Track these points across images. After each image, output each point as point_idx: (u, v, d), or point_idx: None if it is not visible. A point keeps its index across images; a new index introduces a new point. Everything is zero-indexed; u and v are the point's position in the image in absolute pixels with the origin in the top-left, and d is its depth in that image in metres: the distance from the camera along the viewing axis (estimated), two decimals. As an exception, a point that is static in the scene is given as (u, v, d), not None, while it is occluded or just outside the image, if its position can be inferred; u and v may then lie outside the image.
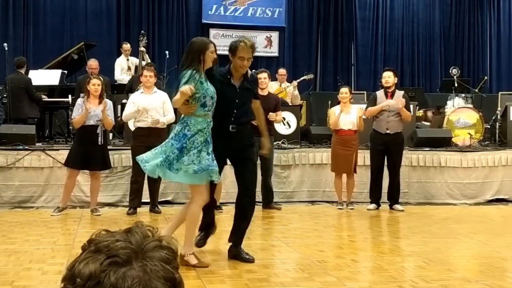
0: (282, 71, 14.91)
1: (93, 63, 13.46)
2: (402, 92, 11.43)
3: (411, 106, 13.22)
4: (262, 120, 7.52)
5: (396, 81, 11.20)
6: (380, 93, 11.26)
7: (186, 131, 6.64)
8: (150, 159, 6.77)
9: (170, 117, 10.31)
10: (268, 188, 11.01)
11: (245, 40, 6.95)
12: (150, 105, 10.08)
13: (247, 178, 7.10)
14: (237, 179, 7.22)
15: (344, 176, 11.25)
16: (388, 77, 11.09)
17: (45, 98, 13.25)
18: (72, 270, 1.41)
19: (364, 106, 11.80)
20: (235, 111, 6.99)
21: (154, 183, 10.46)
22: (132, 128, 10.81)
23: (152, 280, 1.39)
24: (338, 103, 11.41)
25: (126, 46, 15.25)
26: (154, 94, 10.28)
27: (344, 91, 11.25)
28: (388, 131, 11.02)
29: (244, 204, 7.11)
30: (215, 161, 6.63)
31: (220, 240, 7.82)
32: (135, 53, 15.12)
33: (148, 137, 10.07)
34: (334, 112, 11.22)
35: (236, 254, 7.07)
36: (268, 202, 11.03)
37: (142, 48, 14.34)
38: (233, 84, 7.02)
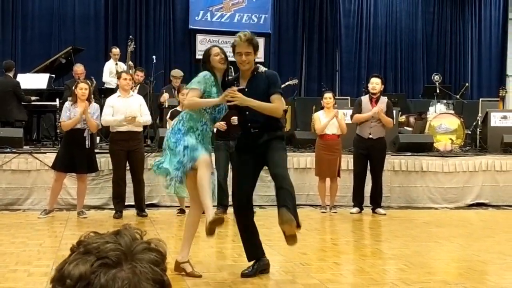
0: None
1: (78, 68, 13.47)
2: (386, 98, 11.49)
3: (394, 112, 13.29)
4: (264, 104, 6.47)
5: (382, 89, 11.26)
6: (365, 99, 11.31)
7: (180, 126, 6.48)
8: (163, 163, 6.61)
9: (146, 118, 10.42)
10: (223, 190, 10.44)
11: (240, 35, 6.50)
12: (128, 108, 10.12)
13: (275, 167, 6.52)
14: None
15: (328, 180, 11.30)
16: (376, 84, 11.13)
17: (36, 99, 13.22)
18: (62, 271, 1.41)
19: (347, 111, 11.85)
20: (247, 112, 6.54)
21: (139, 187, 10.46)
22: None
23: (141, 282, 1.40)
24: (322, 108, 11.46)
25: (116, 50, 15.23)
26: (131, 98, 10.37)
27: (328, 96, 11.32)
28: (371, 136, 11.07)
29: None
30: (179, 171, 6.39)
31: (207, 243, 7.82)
32: (123, 58, 15.09)
33: (127, 141, 10.15)
34: (318, 117, 11.26)
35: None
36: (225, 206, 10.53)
37: (130, 63, 14.32)
38: (239, 88, 6.50)
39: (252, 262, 6.67)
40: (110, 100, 10.39)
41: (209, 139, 6.65)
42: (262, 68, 6.76)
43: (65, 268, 1.40)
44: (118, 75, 11.19)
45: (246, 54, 6.45)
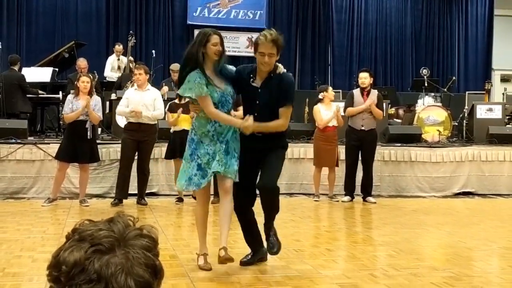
0: None
1: (81, 63, 13.44)
2: (376, 91, 11.48)
3: (384, 104, 13.34)
4: (269, 126, 6.06)
5: (371, 81, 11.23)
6: (356, 92, 11.29)
7: (193, 135, 6.08)
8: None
9: (158, 113, 10.30)
10: None
11: (266, 33, 5.88)
12: (141, 101, 10.09)
13: (263, 175, 6.16)
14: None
15: (324, 169, 11.32)
16: (365, 78, 11.10)
17: (42, 94, 13.23)
18: (57, 258, 1.40)
19: (340, 104, 11.81)
20: (255, 114, 5.95)
21: (143, 177, 10.43)
22: (121, 124, 10.81)
23: (134, 267, 1.39)
24: (318, 101, 11.44)
25: (119, 47, 15.22)
26: (146, 91, 10.30)
27: (331, 88, 11.49)
28: (363, 128, 11.06)
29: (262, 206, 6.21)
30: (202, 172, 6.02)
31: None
32: (124, 53, 15.06)
33: (138, 132, 10.12)
34: (319, 110, 11.20)
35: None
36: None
37: (130, 58, 14.31)
38: (253, 85, 6.06)
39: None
40: (127, 92, 10.47)
41: (224, 130, 6.02)
42: (281, 69, 6.14)
43: (60, 255, 1.40)
44: (129, 69, 11.15)
45: (270, 56, 5.86)
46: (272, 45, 5.82)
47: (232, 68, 6.25)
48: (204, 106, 5.94)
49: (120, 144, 10.56)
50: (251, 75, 6.08)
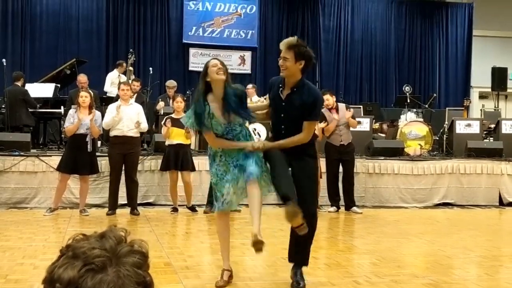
0: (249, 86, 14.12)
1: (82, 78, 13.43)
2: (344, 104, 11.62)
3: (368, 119, 13.49)
4: (287, 142, 5.72)
5: (334, 99, 11.26)
6: (326, 112, 11.17)
7: (209, 150, 5.88)
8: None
9: (144, 125, 10.44)
10: None
11: (286, 39, 5.76)
12: (126, 115, 10.14)
13: (299, 191, 5.79)
14: None
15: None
16: (327, 100, 11.11)
17: (41, 108, 13.22)
18: (52, 274, 1.40)
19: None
20: (282, 126, 5.79)
21: (132, 187, 10.42)
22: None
23: (125, 285, 1.39)
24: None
25: (124, 65, 15.04)
26: (130, 106, 10.41)
27: None
28: (342, 142, 11.11)
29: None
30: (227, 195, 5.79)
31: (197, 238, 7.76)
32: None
33: (123, 144, 10.18)
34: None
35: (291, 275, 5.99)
36: None
37: (130, 68, 14.30)
38: (280, 96, 5.81)
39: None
40: (111, 107, 10.48)
41: (234, 151, 5.72)
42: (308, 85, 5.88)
43: (55, 272, 1.40)
44: (118, 85, 11.21)
45: (284, 59, 5.68)
46: (287, 49, 5.65)
47: (237, 85, 5.96)
48: (207, 138, 5.82)
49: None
50: (280, 85, 5.85)
